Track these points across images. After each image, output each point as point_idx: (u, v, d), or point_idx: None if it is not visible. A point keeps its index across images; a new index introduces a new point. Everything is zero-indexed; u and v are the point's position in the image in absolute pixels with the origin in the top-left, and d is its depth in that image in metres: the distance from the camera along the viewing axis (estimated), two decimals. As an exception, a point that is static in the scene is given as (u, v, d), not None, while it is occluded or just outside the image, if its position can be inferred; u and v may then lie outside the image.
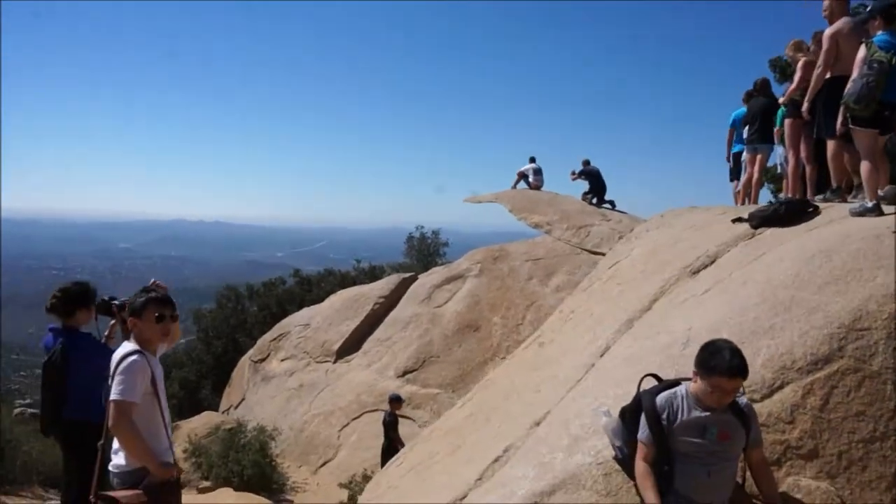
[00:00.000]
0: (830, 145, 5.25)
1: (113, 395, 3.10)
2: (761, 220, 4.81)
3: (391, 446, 8.46)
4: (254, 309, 18.05)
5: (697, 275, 4.55)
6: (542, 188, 15.71)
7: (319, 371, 12.88)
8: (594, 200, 14.18)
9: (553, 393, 4.19)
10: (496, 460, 3.80)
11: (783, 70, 11.70)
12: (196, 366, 17.00)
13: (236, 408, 13.78)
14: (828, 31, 5.20)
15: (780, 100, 6.74)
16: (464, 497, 3.65)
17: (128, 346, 3.56)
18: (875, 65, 4.23)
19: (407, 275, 14.41)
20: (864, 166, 4.47)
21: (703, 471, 2.60)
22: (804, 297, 3.38)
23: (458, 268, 13.53)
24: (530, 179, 15.72)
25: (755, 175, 7.57)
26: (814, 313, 3.23)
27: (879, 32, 4.50)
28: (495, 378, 5.35)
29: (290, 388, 12.86)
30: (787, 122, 6.51)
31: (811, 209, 4.78)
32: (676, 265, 4.84)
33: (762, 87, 7.80)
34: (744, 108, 8.58)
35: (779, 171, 7.22)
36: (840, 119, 4.58)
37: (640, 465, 2.66)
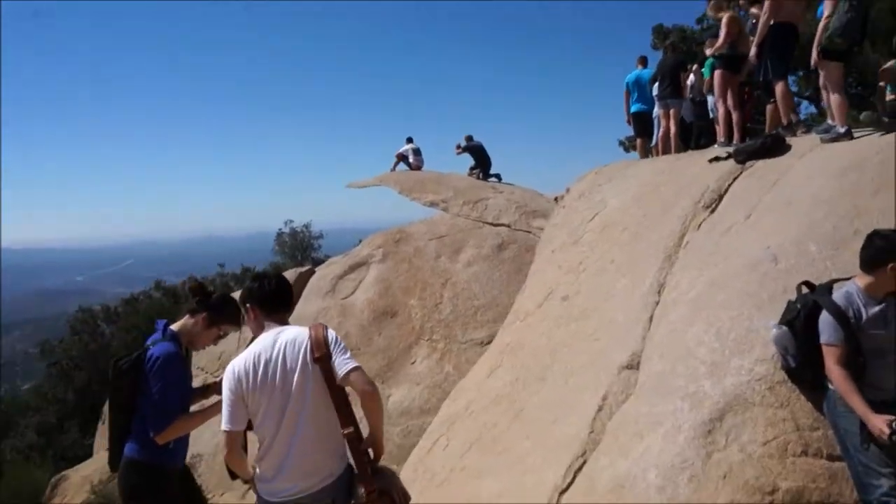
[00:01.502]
0: (780, 86, 5.80)
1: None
2: (748, 154, 5.17)
3: None
4: (115, 331, 15.69)
5: (716, 207, 4.77)
6: (423, 168, 15.64)
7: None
8: (480, 175, 14.41)
9: (620, 337, 4.16)
10: (599, 409, 3.69)
11: (665, 36, 12.82)
12: (55, 406, 14.34)
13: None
14: (770, -20, 5.71)
15: (708, 52, 7.29)
16: (583, 454, 3.49)
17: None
18: (855, 2, 4.70)
19: (303, 269, 13.53)
20: (835, 98, 4.99)
21: (889, 360, 2.70)
22: (867, 204, 3.68)
23: (358, 255, 12.96)
24: (410, 160, 15.55)
25: (672, 128, 8.17)
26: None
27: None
28: (520, 341, 5.18)
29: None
30: (716, 73, 7.08)
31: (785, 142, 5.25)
32: (683, 203, 5.03)
33: (671, 47, 8.42)
34: (637, 72, 9.22)
35: (711, 116, 7.84)
36: (815, 53, 5.04)
37: (836, 370, 2.69)
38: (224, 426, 2.53)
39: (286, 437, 2.53)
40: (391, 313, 11.55)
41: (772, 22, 5.71)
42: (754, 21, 6.34)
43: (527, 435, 4.07)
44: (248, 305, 2.75)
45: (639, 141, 9.39)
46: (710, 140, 8.35)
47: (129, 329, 15.02)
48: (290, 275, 13.22)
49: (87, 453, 13.41)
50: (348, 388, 2.56)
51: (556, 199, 8.47)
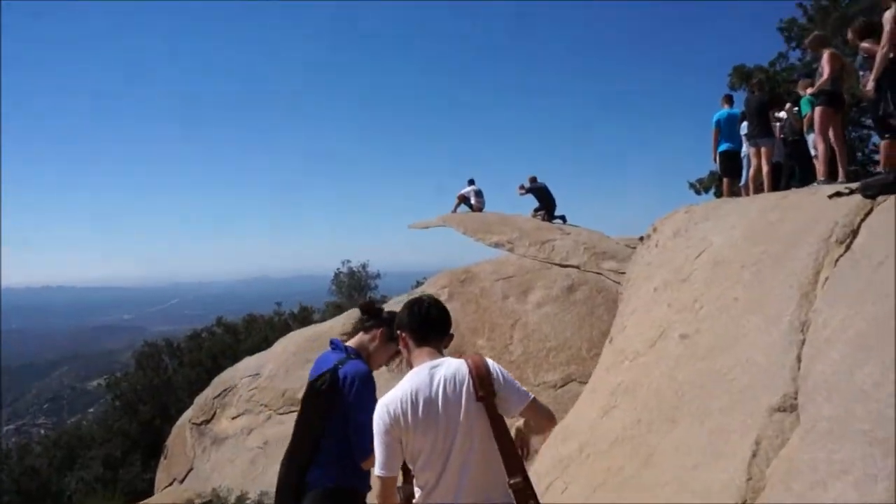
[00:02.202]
0: (901, 122, 5.56)
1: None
2: (880, 189, 4.90)
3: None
4: (177, 366, 15.84)
5: (850, 243, 4.50)
6: (485, 209, 15.63)
7: (287, 423, 11.52)
8: (545, 216, 14.29)
9: (763, 377, 3.89)
10: (754, 455, 3.41)
11: (747, 77, 12.70)
12: (120, 439, 14.45)
13: (182, 481, 11.94)
14: (888, 14, 5.54)
15: (809, 91, 7.11)
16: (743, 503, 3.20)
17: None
18: None
19: (367, 308, 13.49)
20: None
21: None
22: None
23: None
24: (472, 201, 15.57)
25: (764, 167, 7.94)
26: None
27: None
28: (636, 381, 4.92)
29: (252, 448, 11.37)
30: (818, 109, 6.88)
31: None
32: (809, 240, 4.77)
33: (758, 86, 8.26)
34: (724, 110, 9.07)
35: (813, 154, 7.61)
36: None
37: None
38: (378, 471, 2.31)
39: (452, 483, 2.29)
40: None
41: (892, 55, 5.52)
42: (865, 55, 6.15)
43: (663, 481, 3.78)
44: (399, 333, 2.55)
45: (725, 180, 9.17)
46: (803, 179, 8.08)
47: (193, 365, 15.16)
48: (354, 313, 13.20)
49: (146, 488, 13.40)
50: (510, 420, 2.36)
51: (640, 238, 8.24)
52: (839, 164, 6.86)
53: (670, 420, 4.23)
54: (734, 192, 8.93)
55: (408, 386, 2.34)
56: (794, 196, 6.21)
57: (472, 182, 15.77)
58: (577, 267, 12.01)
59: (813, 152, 7.65)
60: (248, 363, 13.47)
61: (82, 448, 14.39)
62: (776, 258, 4.91)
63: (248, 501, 9.02)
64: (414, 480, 2.40)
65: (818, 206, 5.35)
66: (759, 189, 8.05)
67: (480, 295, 12.18)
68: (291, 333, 13.86)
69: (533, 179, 14.57)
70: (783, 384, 3.68)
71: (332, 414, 2.65)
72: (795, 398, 3.56)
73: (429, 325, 2.50)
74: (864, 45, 6.20)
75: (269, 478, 10.65)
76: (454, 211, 15.79)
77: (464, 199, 15.65)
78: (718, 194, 13.53)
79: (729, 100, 9.13)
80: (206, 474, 11.53)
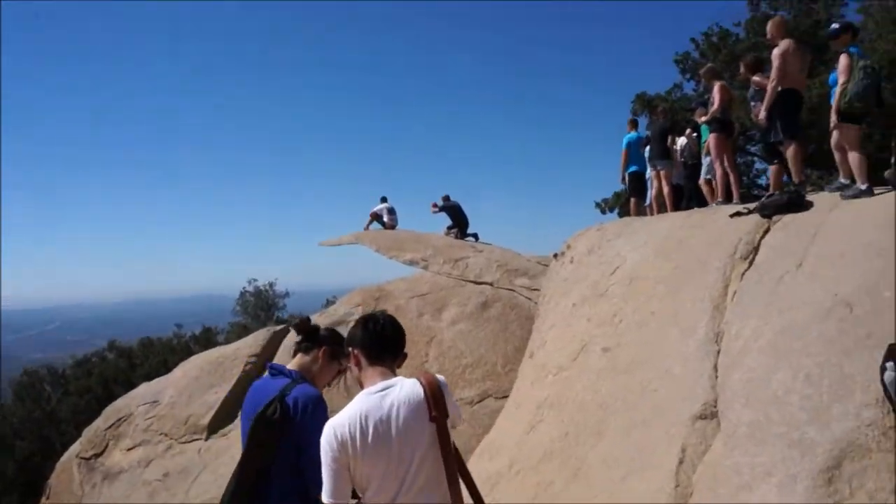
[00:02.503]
0: (792, 147, 6.07)
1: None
2: (775, 209, 5.33)
3: None
4: (62, 395, 14.34)
5: (753, 259, 4.84)
6: (398, 227, 15.56)
7: (189, 452, 10.81)
8: (458, 234, 14.42)
9: (683, 387, 4.07)
10: (681, 462, 3.55)
11: (649, 103, 13.42)
12: None
13: (68, 522, 10.88)
14: (776, 52, 6.07)
15: (702, 119, 7.63)
16: (673, 508, 3.31)
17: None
18: (869, 69, 5.02)
19: (277, 327, 12.97)
20: (854, 156, 5.24)
21: None
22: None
23: (336, 313, 12.57)
24: (385, 219, 15.45)
25: (665, 188, 8.43)
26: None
27: (849, 45, 5.37)
28: (560, 395, 5.00)
29: (150, 481, 10.54)
30: (712, 136, 7.40)
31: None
32: (718, 255, 5.09)
33: (662, 113, 8.79)
34: (633, 133, 9.56)
35: (707, 177, 8.09)
36: (833, 117, 5.32)
37: None
38: (326, 499, 2.15)
39: None
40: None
41: (779, 88, 6.04)
42: (756, 88, 6.69)
43: (593, 494, 3.85)
44: (351, 350, 2.38)
45: (633, 200, 9.63)
46: (699, 202, 8.64)
47: (81, 393, 13.82)
48: (262, 334, 12.68)
49: (25, 533, 12.11)
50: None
51: (554, 255, 8.48)
52: (733, 187, 7.41)
53: (597, 433, 4.32)
54: (640, 212, 9.41)
55: (357, 408, 2.19)
56: (698, 215, 6.62)
57: (384, 199, 15.68)
58: (491, 284, 12.17)
59: (708, 176, 8.23)
60: (145, 389, 12.54)
61: (-55, 491, 12.72)
62: (688, 273, 5.19)
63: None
64: None
65: (721, 225, 5.73)
66: (661, 209, 8.54)
67: (395, 312, 11.90)
68: (193, 357, 13.05)
69: (446, 198, 14.71)
70: (703, 393, 3.86)
71: (282, 445, 2.44)
72: (715, 406, 3.74)
73: (383, 343, 2.35)
74: (756, 78, 6.76)
75: (202, 486, 9.93)
76: (366, 228, 15.61)
77: (376, 217, 15.51)
78: (623, 213, 14.28)
79: (634, 124, 9.66)
80: (96, 513, 10.57)
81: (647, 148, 8.97)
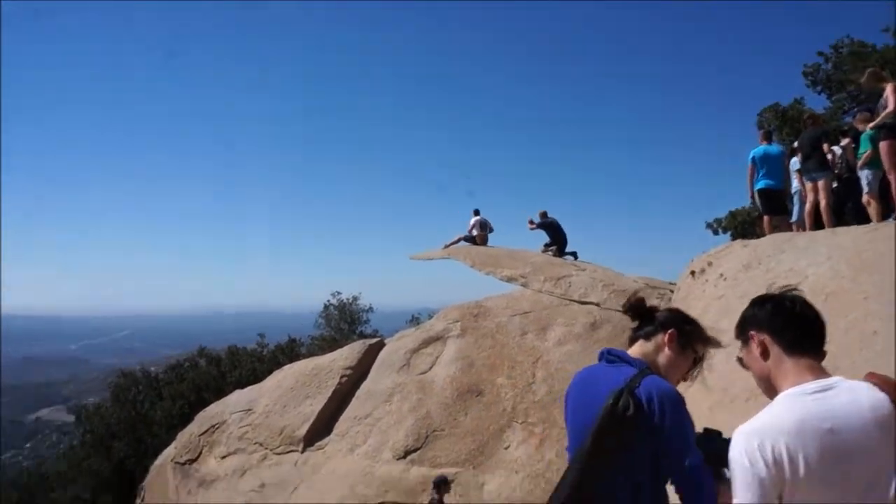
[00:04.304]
0: None
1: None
2: None
3: None
4: (156, 399, 14.47)
5: None
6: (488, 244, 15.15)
7: (285, 464, 10.57)
8: (555, 252, 13.88)
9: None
10: None
11: (783, 115, 12.69)
12: (88, 478, 12.92)
13: (162, 527, 10.77)
14: None
15: (871, 125, 6.91)
16: None
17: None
18: None
19: (372, 341, 12.70)
20: None
21: None
22: None
23: (433, 328, 12.20)
24: (474, 233, 15.05)
25: (822, 201, 7.69)
26: None
27: None
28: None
29: (247, 491, 10.34)
30: (885, 143, 6.68)
31: None
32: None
33: (812, 120, 8.09)
34: (762, 147, 8.85)
35: (867, 191, 7.33)
36: None
37: None
38: None
39: None
40: (477, 392, 10.65)
41: None
42: None
43: None
44: (752, 334, 1.84)
45: (766, 218, 8.89)
46: (857, 217, 7.87)
47: (174, 398, 13.89)
48: (358, 346, 12.41)
49: (117, 535, 12.10)
50: None
51: (692, 272, 7.84)
52: (896, 199, 6.65)
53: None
54: (777, 230, 8.66)
55: (790, 414, 1.62)
56: (886, 228, 5.90)
57: (477, 213, 15.27)
58: (598, 304, 11.55)
59: (868, 189, 7.45)
60: (238, 397, 12.46)
61: (44, 489, 12.89)
62: (905, 289, 4.52)
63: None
64: None
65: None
66: (816, 225, 7.79)
67: (496, 330, 11.57)
68: (286, 366, 12.89)
69: (543, 214, 14.20)
70: None
71: (634, 448, 1.95)
72: None
73: (806, 327, 1.81)
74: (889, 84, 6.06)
75: None
76: (452, 244, 15.22)
77: (465, 238, 15.10)
78: (739, 235, 13.43)
79: (767, 136, 8.95)
80: (191, 521, 10.41)
81: (795, 159, 8.25)
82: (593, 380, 2.14)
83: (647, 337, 2.22)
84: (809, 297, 5.35)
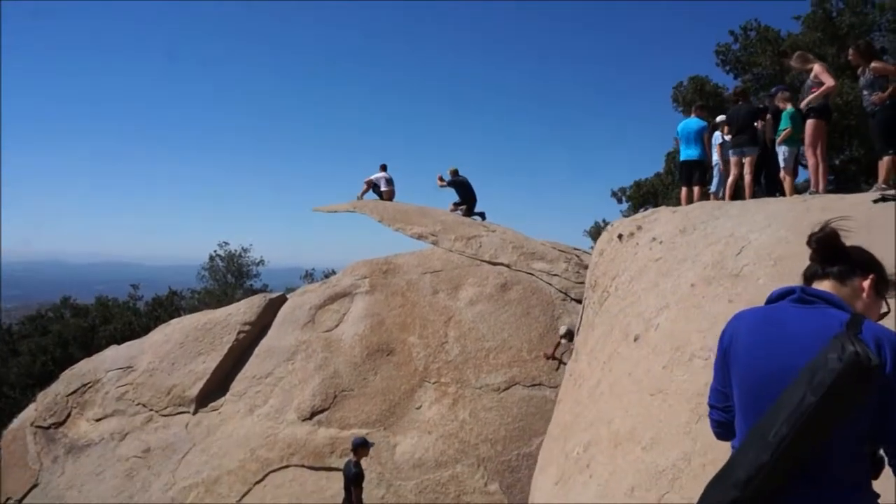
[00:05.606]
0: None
1: None
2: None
3: None
4: (9, 355, 12.43)
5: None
6: (395, 199, 14.64)
7: (174, 427, 9.62)
8: (464, 212, 13.66)
9: None
10: None
11: (701, 89, 13.03)
12: None
13: (21, 500, 9.45)
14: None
15: (804, 102, 7.21)
16: None
17: None
18: None
19: (273, 295, 11.82)
20: None
21: None
22: None
23: (339, 284, 11.58)
24: (382, 188, 14.46)
25: (747, 176, 8.01)
26: None
27: None
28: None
29: (127, 457, 9.30)
30: (811, 122, 7.02)
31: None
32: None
33: (743, 96, 8.37)
34: (688, 121, 9.11)
35: (782, 166, 7.71)
36: None
37: None
38: None
39: None
40: (387, 351, 10.28)
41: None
42: (878, 75, 6.33)
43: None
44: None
45: (684, 189, 9.19)
46: (769, 189, 8.32)
47: (34, 353, 12.04)
48: (257, 300, 11.53)
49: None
50: None
51: (619, 236, 7.90)
52: (821, 178, 7.07)
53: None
54: (693, 200, 8.98)
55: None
56: (819, 200, 6.20)
57: (384, 168, 14.65)
58: (508, 265, 11.52)
59: (784, 164, 7.87)
60: (115, 353, 11.16)
61: None
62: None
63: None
64: None
65: (856, 211, 5.30)
66: (734, 197, 8.13)
67: (407, 288, 11.21)
68: (174, 321, 11.68)
69: (454, 172, 13.88)
70: None
71: (864, 408, 1.62)
72: None
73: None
74: (876, 64, 6.39)
75: (156, 493, 8.74)
76: (360, 197, 14.57)
77: (372, 186, 14.49)
78: (640, 205, 13.98)
79: (703, 109, 9.22)
80: (58, 491, 9.22)
81: (717, 133, 8.53)
82: (780, 322, 1.78)
83: (842, 278, 1.86)
84: (758, 261, 5.37)
